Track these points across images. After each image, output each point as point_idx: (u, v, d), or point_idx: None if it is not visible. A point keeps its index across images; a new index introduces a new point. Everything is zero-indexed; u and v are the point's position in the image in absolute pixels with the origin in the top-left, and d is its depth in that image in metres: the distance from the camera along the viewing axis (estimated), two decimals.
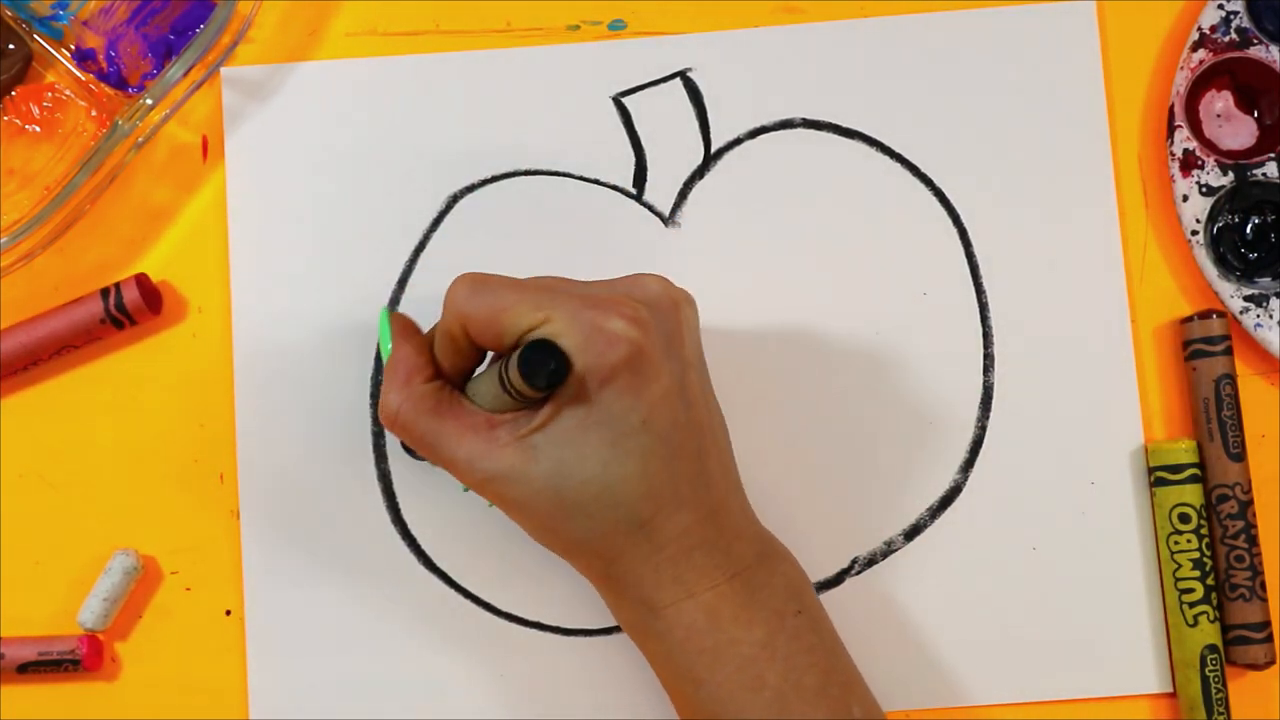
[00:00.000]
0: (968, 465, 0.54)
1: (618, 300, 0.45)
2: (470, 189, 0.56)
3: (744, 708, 0.46)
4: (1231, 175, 0.55)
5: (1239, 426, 0.53)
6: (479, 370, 0.49)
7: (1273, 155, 0.55)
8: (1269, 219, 0.55)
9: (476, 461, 0.46)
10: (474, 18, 0.57)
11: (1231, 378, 0.53)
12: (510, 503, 0.47)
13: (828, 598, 0.54)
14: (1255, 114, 0.56)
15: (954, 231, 0.55)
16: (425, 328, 0.54)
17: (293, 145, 0.56)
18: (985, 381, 0.55)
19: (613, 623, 0.53)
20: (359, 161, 0.56)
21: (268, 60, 0.56)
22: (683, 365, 0.47)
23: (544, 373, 0.43)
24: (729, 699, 0.46)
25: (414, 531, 0.54)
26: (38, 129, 0.56)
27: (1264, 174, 0.55)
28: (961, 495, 0.54)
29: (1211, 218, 0.55)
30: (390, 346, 0.49)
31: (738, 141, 0.56)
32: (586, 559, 0.48)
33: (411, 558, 0.54)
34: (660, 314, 0.47)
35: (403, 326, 0.50)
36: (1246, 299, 0.54)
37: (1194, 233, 0.54)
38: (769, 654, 0.46)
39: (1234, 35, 0.55)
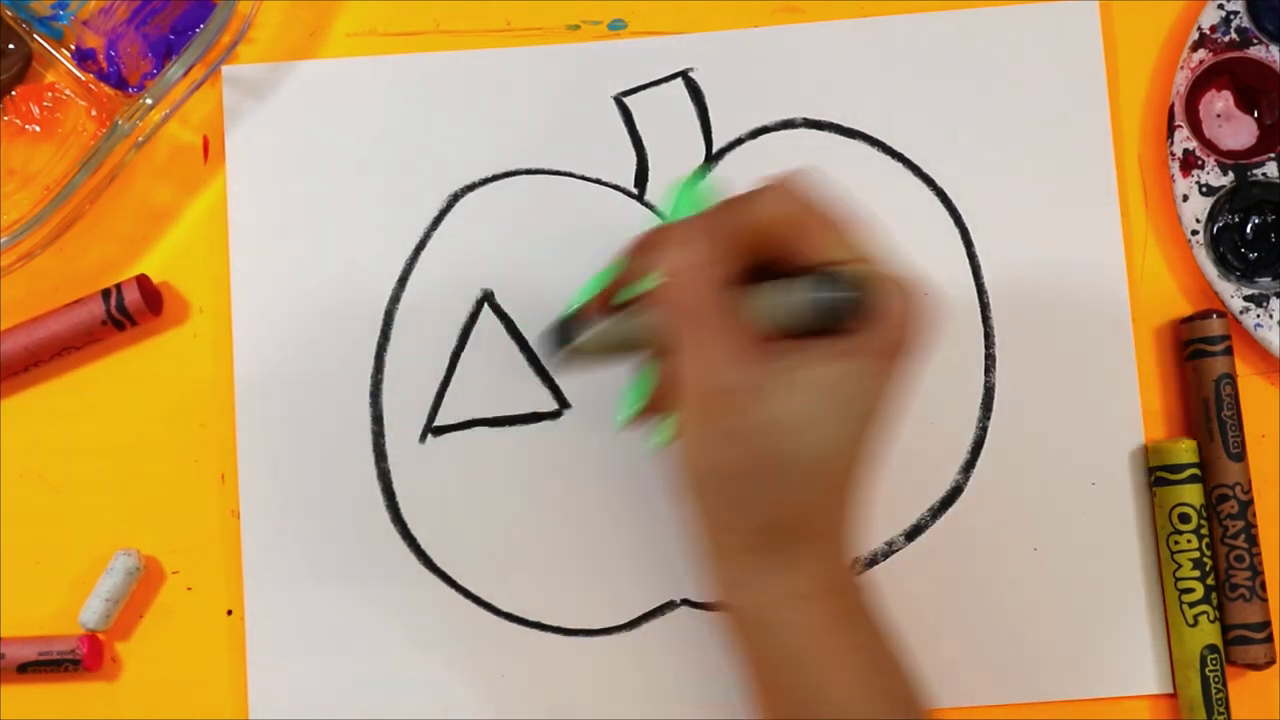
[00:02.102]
0: (969, 465, 0.54)
1: (919, 294, 0.42)
2: (471, 188, 0.56)
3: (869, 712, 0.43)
4: (1231, 175, 0.55)
5: (1239, 426, 0.53)
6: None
7: (1273, 155, 0.55)
8: (1269, 219, 0.55)
9: (725, 365, 0.41)
10: (474, 18, 0.56)
11: (1231, 378, 0.53)
12: (724, 431, 0.41)
13: None
14: (1255, 114, 0.56)
15: (955, 231, 0.55)
16: (422, 327, 0.54)
17: (293, 145, 0.56)
18: (986, 381, 0.55)
19: (612, 623, 0.53)
20: (359, 161, 0.56)
21: (268, 60, 0.56)
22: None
23: (842, 303, 0.41)
24: (848, 705, 0.43)
25: (414, 531, 0.54)
26: (38, 129, 0.56)
27: (1264, 174, 0.55)
28: (962, 495, 0.54)
29: (1211, 218, 0.55)
30: (705, 207, 0.44)
31: (739, 141, 0.56)
32: (756, 518, 0.43)
33: (412, 558, 0.54)
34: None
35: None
36: (1246, 299, 0.54)
37: (1194, 233, 0.54)
38: (885, 661, 0.44)
39: (1234, 35, 0.55)
